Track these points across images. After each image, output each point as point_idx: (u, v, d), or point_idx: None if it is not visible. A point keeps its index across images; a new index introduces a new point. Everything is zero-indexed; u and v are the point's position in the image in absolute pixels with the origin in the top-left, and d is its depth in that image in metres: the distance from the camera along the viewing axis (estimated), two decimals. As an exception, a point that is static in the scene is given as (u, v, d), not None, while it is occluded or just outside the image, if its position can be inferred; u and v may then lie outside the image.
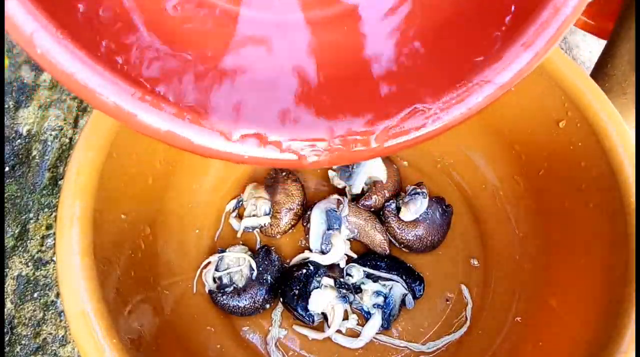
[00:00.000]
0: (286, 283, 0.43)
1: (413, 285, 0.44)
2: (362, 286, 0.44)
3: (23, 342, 0.71)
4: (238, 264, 0.44)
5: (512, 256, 0.48)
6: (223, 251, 0.45)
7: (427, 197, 0.47)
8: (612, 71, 0.67)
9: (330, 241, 0.44)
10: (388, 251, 0.46)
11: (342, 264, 0.44)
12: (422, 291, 0.45)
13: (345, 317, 0.43)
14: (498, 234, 0.50)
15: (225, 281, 0.44)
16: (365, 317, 0.44)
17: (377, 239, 0.45)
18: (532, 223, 0.46)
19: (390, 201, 0.47)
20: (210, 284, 0.44)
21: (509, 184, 0.49)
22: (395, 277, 0.44)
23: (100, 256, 0.35)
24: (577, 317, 0.40)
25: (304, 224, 0.46)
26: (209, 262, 0.45)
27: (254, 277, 0.44)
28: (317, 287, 0.43)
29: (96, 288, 0.34)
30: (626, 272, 0.37)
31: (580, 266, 0.42)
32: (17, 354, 0.71)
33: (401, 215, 0.46)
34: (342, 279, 0.43)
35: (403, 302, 0.44)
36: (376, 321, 0.43)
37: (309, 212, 0.46)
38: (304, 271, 0.43)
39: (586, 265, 0.41)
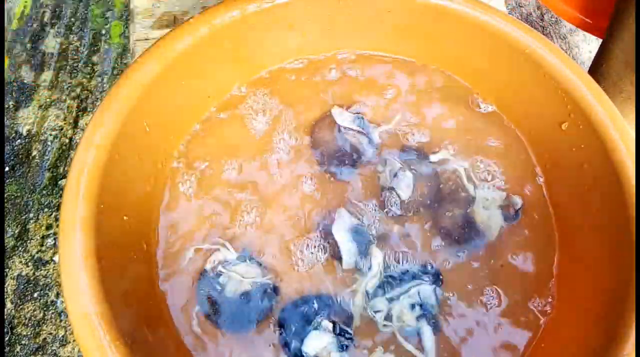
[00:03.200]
0: (287, 317, 0.42)
1: (435, 278, 0.43)
2: (393, 313, 0.42)
3: (23, 342, 0.71)
4: (244, 278, 0.43)
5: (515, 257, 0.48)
6: (246, 255, 0.44)
7: (405, 168, 0.47)
8: (607, 71, 0.68)
9: (368, 256, 0.43)
10: (408, 234, 0.45)
11: (382, 266, 0.43)
12: (441, 281, 0.44)
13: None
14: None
15: (220, 279, 0.42)
16: (417, 336, 0.42)
17: (395, 229, 0.45)
18: (534, 226, 0.46)
19: (382, 194, 0.47)
20: (208, 267, 0.42)
21: (510, 186, 0.49)
22: (414, 281, 0.43)
23: (103, 257, 0.35)
24: (579, 318, 0.40)
25: (324, 247, 0.45)
26: (218, 250, 0.43)
27: (241, 298, 0.42)
28: (316, 329, 0.41)
29: (99, 290, 0.34)
30: (628, 273, 0.37)
31: (582, 268, 0.42)
32: (17, 354, 0.71)
33: (403, 198, 0.46)
34: (342, 325, 0.42)
35: (436, 296, 0.43)
36: (428, 332, 0.42)
37: (326, 237, 0.44)
38: (307, 308, 0.42)
39: (588, 267, 0.41)
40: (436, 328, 0.43)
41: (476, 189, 0.47)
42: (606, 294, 0.39)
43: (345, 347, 0.41)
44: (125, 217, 0.40)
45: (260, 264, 0.44)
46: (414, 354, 0.41)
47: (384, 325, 0.42)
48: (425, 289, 0.43)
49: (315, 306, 0.43)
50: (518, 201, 0.46)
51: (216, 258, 0.44)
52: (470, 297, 0.44)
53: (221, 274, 0.43)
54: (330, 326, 0.41)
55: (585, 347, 0.38)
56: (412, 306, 0.42)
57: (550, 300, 0.43)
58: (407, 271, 0.44)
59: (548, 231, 0.46)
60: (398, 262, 0.45)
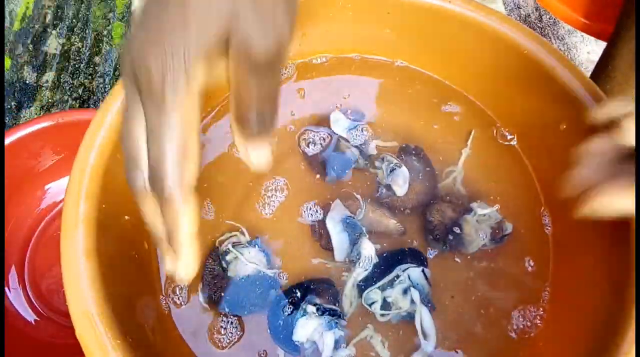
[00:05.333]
0: (272, 312, 0.42)
1: (420, 259, 0.44)
2: (389, 301, 0.43)
3: (24, 341, 0.71)
4: (249, 262, 0.43)
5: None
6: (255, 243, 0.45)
7: (401, 164, 0.47)
8: (613, 73, 0.68)
9: (359, 249, 0.43)
10: (404, 229, 0.46)
11: (374, 260, 0.43)
12: (426, 260, 0.45)
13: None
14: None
15: (227, 258, 0.43)
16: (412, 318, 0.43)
17: (390, 225, 0.45)
18: (533, 226, 0.47)
19: (378, 189, 0.47)
20: (220, 249, 0.43)
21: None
22: (402, 266, 0.43)
23: (104, 257, 0.36)
24: (577, 318, 0.40)
25: (317, 238, 0.45)
26: (234, 235, 0.44)
27: (241, 281, 0.43)
28: (303, 316, 0.41)
29: (100, 289, 0.34)
30: (627, 273, 0.37)
31: (581, 268, 0.42)
32: (19, 353, 0.71)
33: (399, 194, 0.46)
34: (325, 305, 0.42)
35: (425, 277, 0.43)
36: (426, 313, 0.42)
37: (320, 227, 0.45)
38: (289, 299, 0.42)
39: (587, 267, 0.42)
40: (431, 307, 0.43)
41: (477, 202, 0.47)
42: (604, 291, 0.39)
43: (335, 324, 0.41)
44: (126, 217, 0.41)
45: (267, 255, 0.45)
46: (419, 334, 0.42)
47: (382, 315, 0.43)
48: (414, 271, 0.43)
49: (299, 294, 0.43)
50: (509, 227, 0.46)
51: (229, 238, 0.44)
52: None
53: (229, 252, 0.44)
54: (314, 308, 0.41)
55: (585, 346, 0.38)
56: (405, 291, 0.43)
57: (541, 312, 0.43)
58: (392, 255, 0.45)
59: (542, 238, 0.46)
60: (387, 253, 0.45)
